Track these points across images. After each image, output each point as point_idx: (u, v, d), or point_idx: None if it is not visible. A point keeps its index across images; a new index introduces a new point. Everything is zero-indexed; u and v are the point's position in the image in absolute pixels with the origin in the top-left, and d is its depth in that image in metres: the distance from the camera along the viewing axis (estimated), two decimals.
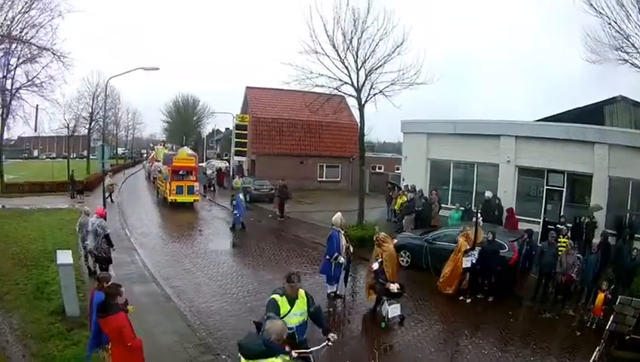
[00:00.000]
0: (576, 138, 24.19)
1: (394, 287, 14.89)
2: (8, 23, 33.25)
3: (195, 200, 39.73)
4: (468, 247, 17.70)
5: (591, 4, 22.55)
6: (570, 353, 13.39)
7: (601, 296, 14.97)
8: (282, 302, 8.78)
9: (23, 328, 13.54)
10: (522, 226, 23.84)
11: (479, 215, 19.63)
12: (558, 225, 21.42)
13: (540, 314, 16.42)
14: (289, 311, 8.78)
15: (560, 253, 17.46)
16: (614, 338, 12.78)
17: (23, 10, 33.79)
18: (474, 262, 17.52)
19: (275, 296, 8.87)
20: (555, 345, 13.88)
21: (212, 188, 52.67)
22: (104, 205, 27.88)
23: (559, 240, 18.46)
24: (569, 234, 19.86)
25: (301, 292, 9.12)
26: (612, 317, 12.97)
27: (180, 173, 39.67)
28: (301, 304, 9.00)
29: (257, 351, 6.70)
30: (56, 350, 12.11)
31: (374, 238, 16.89)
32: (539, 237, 22.52)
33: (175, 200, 38.39)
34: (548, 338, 14.30)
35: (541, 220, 25.66)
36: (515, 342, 13.97)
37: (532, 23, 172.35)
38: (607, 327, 12.86)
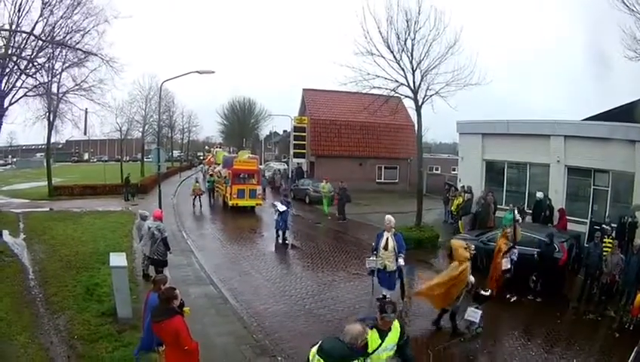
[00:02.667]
0: (618, 137, 23.89)
1: (485, 292, 14.97)
2: (49, 28, 33.98)
3: (257, 204, 39.31)
4: (507, 247, 17.62)
5: (623, 1, 22.34)
6: (608, 355, 13.63)
7: (639, 296, 15.08)
8: (372, 336, 7.67)
9: (69, 329, 13.66)
10: (571, 226, 24.21)
11: (516, 212, 19.59)
12: (604, 226, 21.36)
13: (584, 315, 16.62)
14: (379, 346, 7.78)
15: (605, 253, 17.64)
16: None
17: (65, 16, 34.61)
18: (514, 259, 17.55)
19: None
20: (596, 346, 14.12)
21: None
22: (160, 207, 28.03)
23: (604, 240, 18.57)
24: (614, 234, 19.77)
25: (395, 323, 8.07)
26: None
27: (241, 176, 39.56)
28: (393, 336, 8.01)
29: (339, 355, 6.61)
30: (105, 351, 12.19)
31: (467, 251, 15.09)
32: (586, 238, 22.31)
33: (236, 204, 38.23)
34: (590, 339, 14.60)
35: (588, 220, 25.54)
36: (560, 343, 14.22)
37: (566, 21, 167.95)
38: None
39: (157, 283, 10.31)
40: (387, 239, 16.62)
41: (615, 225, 21.51)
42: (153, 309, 9.15)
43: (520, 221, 19.15)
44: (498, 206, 28.62)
